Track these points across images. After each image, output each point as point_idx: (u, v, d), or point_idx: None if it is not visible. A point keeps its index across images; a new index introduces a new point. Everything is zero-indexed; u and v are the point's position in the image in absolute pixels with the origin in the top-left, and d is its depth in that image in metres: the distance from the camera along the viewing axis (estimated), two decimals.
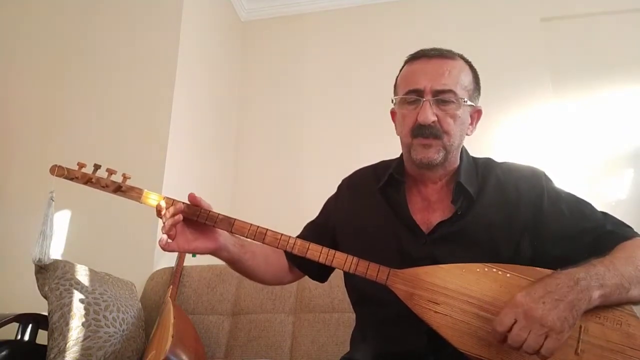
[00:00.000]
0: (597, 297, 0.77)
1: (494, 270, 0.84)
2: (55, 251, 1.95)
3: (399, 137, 1.04)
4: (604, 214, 0.95)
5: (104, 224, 1.94)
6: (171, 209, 0.87)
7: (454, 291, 0.84)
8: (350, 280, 1.09)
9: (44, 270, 1.39)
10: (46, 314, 1.35)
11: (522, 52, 2.48)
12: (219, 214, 0.91)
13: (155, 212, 0.90)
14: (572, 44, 2.49)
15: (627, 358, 0.77)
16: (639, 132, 2.31)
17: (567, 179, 2.22)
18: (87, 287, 1.41)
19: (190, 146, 2.22)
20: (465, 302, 0.82)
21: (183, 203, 0.90)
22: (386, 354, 0.94)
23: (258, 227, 0.92)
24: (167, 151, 2.00)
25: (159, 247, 0.87)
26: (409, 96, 0.96)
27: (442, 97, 0.94)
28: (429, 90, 0.94)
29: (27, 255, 1.85)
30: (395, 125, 1.05)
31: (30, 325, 1.42)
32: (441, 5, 2.68)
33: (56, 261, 1.42)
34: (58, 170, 0.94)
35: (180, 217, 0.86)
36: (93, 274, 1.49)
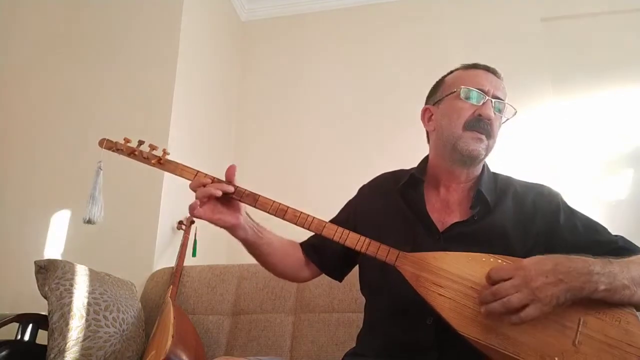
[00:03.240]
0: (601, 290, 0.79)
1: (499, 261, 0.87)
2: (56, 251, 1.95)
3: (434, 131, 1.08)
4: (616, 235, 0.98)
5: (103, 224, 1.93)
6: (217, 186, 0.94)
7: (458, 276, 0.87)
8: (364, 269, 1.13)
9: (44, 270, 1.39)
10: (46, 314, 1.35)
11: (522, 52, 2.48)
12: (245, 189, 0.98)
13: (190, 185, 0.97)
14: (572, 44, 2.49)
15: (623, 353, 0.78)
16: (639, 132, 2.31)
17: (567, 179, 2.22)
18: (87, 287, 1.41)
19: (189, 147, 2.22)
20: (469, 287, 0.85)
21: (215, 178, 0.97)
22: (393, 346, 0.97)
23: (280, 204, 0.98)
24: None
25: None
26: (475, 90, 1.00)
27: (499, 103, 1.02)
28: (492, 93, 1.01)
29: (27, 255, 1.86)
30: (431, 121, 1.09)
31: (30, 325, 1.42)
32: (441, 5, 2.68)
33: (56, 261, 1.42)
34: (106, 143, 1.03)
35: (219, 192, 0.93)
36: (93, 274, 1.49)
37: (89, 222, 1.25)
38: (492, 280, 0.81)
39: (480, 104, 1.00)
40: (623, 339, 0.79)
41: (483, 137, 1.00)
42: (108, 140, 1.03)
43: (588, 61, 2.44)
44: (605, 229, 0.99)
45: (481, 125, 0.99)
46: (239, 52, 2.87)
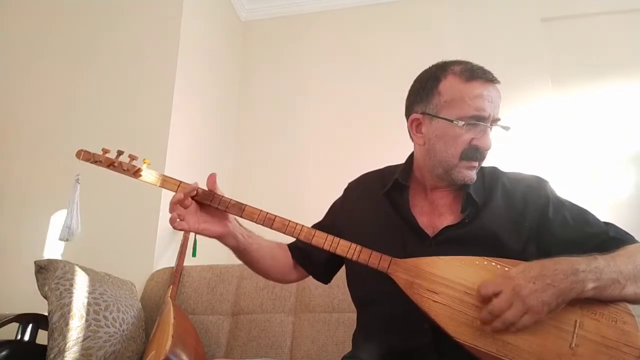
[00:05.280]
0: (590, 288, 0.79)
1: (493, 263, 0.86)
2: (55, 251, 1.95)
3: (423, 146, 1.01)
4: (607, 223, 0.96)
5: (104, 224, 1.94)
6: (180, 191, 0.92)
7: (453, 282, 0.86)
8: (353, 280, 1.11)
9: (44, 270, 1.39)
10: (46, 314, 1.35)
11: (522, 52, 2.48)
12: (230, 199, 0.95)
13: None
14: (572, 44, 2.49)
15: (620, 354, 0.78)
16: (639, 132, 2.31)
17: (567, 179, 2.22)
18: (87, 287, 1.41)
19: (190, 147, 2.22)
20: (464, 292, 0.84)
21: (199, 188, 0.95)
22: (390, 352, 0.95)
23: (267, 213, 0.96)
24: (166, 152, 2.00)
25: (169, 225, 0.92)
26: (474, 122, 0.93)
27: (495, 125, 0.97)
28: (491, 118, 0.95)
29: (27, 255, 1.86)
30: (420, 133, 1.01)
31: (30, 325, 1.42)
32: (441, 5, 2.68)
33: (56, 261, 1.42)
34: (84, 155, 0.99)
35: (181, 195, 0.91)
36: (93, 274, 1.49)
37: (67, 239, 1.23)
38: (482, 298, 0.80)
39: (480, 134, 0.94)
40: (620, 339, 0.79)
41: (477, 163, 0.97)
42: (85, 151, 0.99)
43: (588, 61, 2.44)
44: (595, 219, 0.96)
45: (477, 155, 0.96)
46: (239, 52, 2.87)
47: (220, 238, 0.98)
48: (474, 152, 0.95)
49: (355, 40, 2.74)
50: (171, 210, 0.91)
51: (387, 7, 2.74)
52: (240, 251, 1.02)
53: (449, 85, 0.96)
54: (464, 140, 0.95)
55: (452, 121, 0.94)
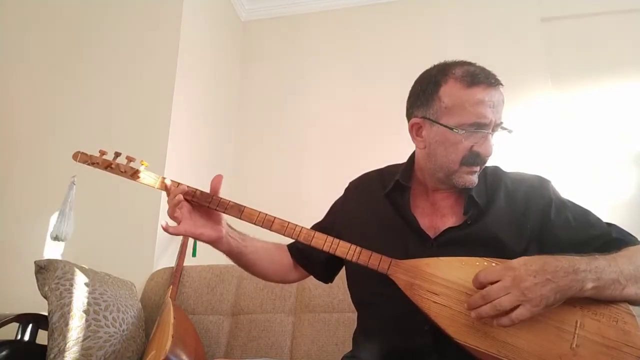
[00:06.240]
0: (590, 288, 0.79)
1: (493, 264, 0.86)
2: (55, 251, 1.95)
3: (424, 149, 1.00)
4: (609, 223, 0.96)
5: (103, 224, 1.94)
6: (175, 190, 0.92)
7: (453, 283, 0.85)
8: (353, 281, 1.10)
9: (44, 270, 1.39)
10: (46, 314, 1.35)
11: (522, 52, 2.48)
12: (229, 200, 0.95)
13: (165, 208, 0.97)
14: (572, 44, 2.49)
15: (621, 354, 0.78)
16: (639, 132, 2.31)
17: (567, 179, 2.22)
18: (87, 287, 1.41)
19: (189, 147, 2.22)
20: (464, 293, 0.84)
21: (197, 190, 0.95)
22: (391, 352, 0.95)
23: (266, 214, 0.96)
24: (166, 152, 2.00)
25: (162, 230, 0.92)
26: (474, 129, 0.91)
27: (497, 130, 0.95)
28: (493, 124, 0.93)
29: (27, 255, 1.86)
30: (420, 137, 1.00)
31: (30, 325, 1.42)
32: (442, 5, 2.69)
33: (56, 261, 1.42)
34: (81, 157, 0.99)
35: (180, 197, 0.91)
36: (93, 274, 1.48)
37: (56, 239, 1.23)
38: (480, 284, 0.79)
39: (481, 140, 0.93)
40: (620, 339, 0.79)
41: (478, 168, 0.96)
42: (82, 153, 1.00)
43: (588, 61, 2.44)
44: (598, 220, 0.96)
45: (478, 161, 0.94)
46: (239, 52, 2.87)
47: (215, 242, 0.97)
48: (475, 158, 0.94)
49: (355, 40, 2.74)
50: (171, 213, 0.91)
51: (387, 7, 2.74)
52: (234, 255, 1.02)
53: (450, 91, 0.94)
54: (464, 147, 0.93)
55: (452, 129, 0.93)
